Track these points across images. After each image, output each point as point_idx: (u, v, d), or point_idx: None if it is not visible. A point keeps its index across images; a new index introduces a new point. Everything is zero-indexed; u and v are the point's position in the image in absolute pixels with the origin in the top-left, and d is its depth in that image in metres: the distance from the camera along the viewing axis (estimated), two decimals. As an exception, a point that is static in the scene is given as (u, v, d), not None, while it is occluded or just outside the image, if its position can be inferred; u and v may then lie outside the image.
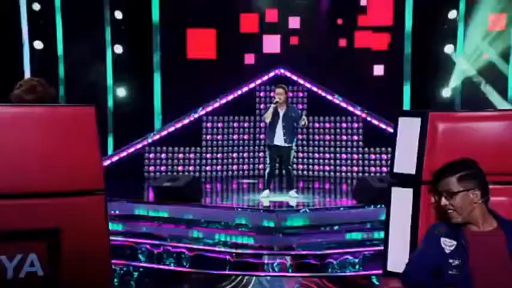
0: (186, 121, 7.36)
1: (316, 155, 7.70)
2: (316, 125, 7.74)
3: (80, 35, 7.06)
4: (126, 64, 7.62)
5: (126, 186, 6.25)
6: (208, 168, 7.47)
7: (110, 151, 7.51)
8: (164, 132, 7.30)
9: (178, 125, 7.33)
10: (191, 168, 7.37)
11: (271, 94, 7.74)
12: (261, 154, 7.79)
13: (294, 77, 7.84)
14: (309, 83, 7.81)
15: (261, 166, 7.76)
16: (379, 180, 5.24)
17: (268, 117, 5.45)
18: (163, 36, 7.55)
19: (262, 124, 7.76)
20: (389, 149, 6.98)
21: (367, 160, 7.35)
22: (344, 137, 7.50)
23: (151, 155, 7.40)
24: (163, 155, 7.32)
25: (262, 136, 7.73)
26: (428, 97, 7.40)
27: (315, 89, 7.75)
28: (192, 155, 7.43)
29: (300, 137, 7.66)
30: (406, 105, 7.53)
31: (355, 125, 7.49)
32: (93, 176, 1.67)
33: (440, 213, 1.88)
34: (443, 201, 1.82)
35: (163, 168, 7.29)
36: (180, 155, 7.37)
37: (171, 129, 7.30)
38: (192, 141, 7.34)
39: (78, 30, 7.02)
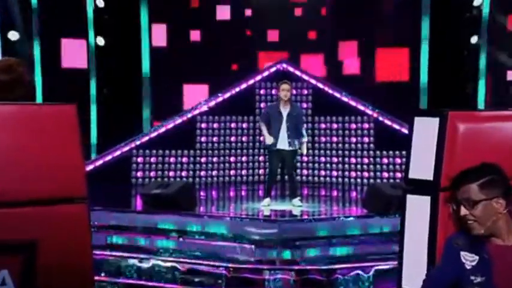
0: (178, 121, 7.41)
1: (323, 159, 7.72)
2: (322, 125, 7.77)
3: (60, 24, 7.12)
4: (110, 57, 7.67)
5: (112, 194, 6.24)
6: (202, 173, 7.52)
7: (93, 154, 7.58)
8: (154, 134, 7.37)
9: (170, 125, 7.39)
10: (184, 173, 7.41)
11: (273, 92, 7.80)
12: (261, 158, 7.80)
13: (298, 73, 7.88)
14: (314, 79, 7.86)
15: (261, 171, 7.79)
16: (392, 187, 5.18)
17: (266, 141, 5.44)
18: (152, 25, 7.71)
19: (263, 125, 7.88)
20: (403, 153, 7.01)
21: (379, 165, 7.37)
22: (353, 139, 7.54)
23: (140, 159, 7.41)
24: (152, 159, 7.37)
25: (262, 138, 7.63)
26: (449, 94, 7.40)
27: (320, 85, 7.81)
28: (184, 159, 7.48)
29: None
30: (423, 104, 7.57)
31: (366, 125, 7.52)
32: (74, 182, 1.64)
33: (460, 224, 1.84)
34: (463, 210, 1.78)
35: (152, 173, 7.35)
36: (172, 159, 7.40)
37: (162, 130, 7.35)
38: (185, 144, 7.40)
39: (57, 18, 7.08)
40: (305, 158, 7.71)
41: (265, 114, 5.58)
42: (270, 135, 5.45)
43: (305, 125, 5.68)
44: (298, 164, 7.56)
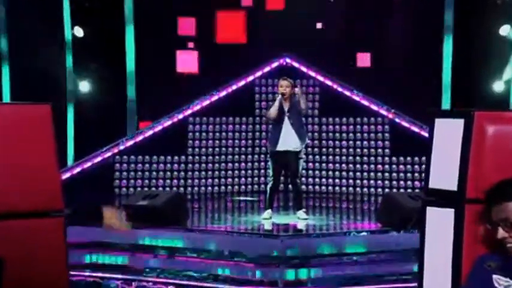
0: (167, 123, 7.44)
1: (331, 166, 7.71)
2: (331, 128, 7.76)
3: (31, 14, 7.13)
4: (90, 50, 7.65)
5: (91, 206, 6.24)
6: (195, 182, 7.54)
7: (70, 161, 7.52)
8: (140, 137, 7.38)
9: (158, 128, 7.41)
10: (174, 182, 7.44)
11: (275, 90, 7.68)
12: (262, 164, 7.80)
13: (303, 68, 7.85)
14: (321, 76, 7.82)
15: (261, 179, 7.77)
16: (410, 197, 5.14)
17: (274, 113, 5.42)
18: (137, 8, 7.63)
19: (263, 127, 7.80)
20: (423, 159, 7.00)
21: (395, 172, 7.40)
22: (365, 144, 7.55)
23: (124, 166, 7.39)
24: (138, 166, 7.39)
25: (263, 142, 7.75)
26: (474, 92, 7.31)
27: (328, 82, 7.78)
28: (175, 166, 7.49)
29: (309, 142, 7.63)
30: (446, 103, 7.49)
31: (380, 128, 7.54)
32: (49, 193, 1.62)
33: (492, 242, 1.81)
34: (501, 233, 1.72)
35: (138, 182, 7.37)
36: (160, 166, 7.43)
37: (149, 133, 7.38)
38: (175, 149, 7.42)
39: (29, 8, 7.09)
40: (311, 165, 7.73)
41: (270, 107, 5.60)
42: (274, 111, 5.37)
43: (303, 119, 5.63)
44: (304, 172, 7.49)
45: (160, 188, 7.21)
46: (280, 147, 5.42)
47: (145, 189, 7.05)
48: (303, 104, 5.38)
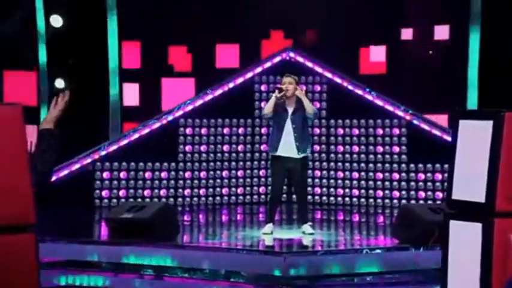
0: (156, 125, 7.44)
1: (340, 174, 7.69)
2: (340, 131, 7.74)
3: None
4: (67, 42, 7.59)
5: (68, 220, 6.19)
6: (187, 192, 7.53)
7: None
8: (124, 141, 7.38)
9: (145, 131, 7.41)
10: (163, 192, 7.44)
11: (277, 87, 7.80)
12: (262, 172, 7.78)
13: (309, 64, 7.84)
14: (329, 72, 7.81)
15: (261, 189, 7.76)
16: (431, 210, 5.14)
17: (268, 109, 5.46)
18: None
19: (264, 130, 7.79)
20: (445, 166, 7.03)
21: (414, 181, 7.36)
22: (380, 149, 7.54)
23: (106, 174, 7.37)
24: (122, 174, 7.37)
25: (263, 146, 7.72)
26: (505, 90, 7.21)
27: (338, 80, 7.76)
28: (164, 174, 7.48)
29: (316, 147, 7.67)
30: (472, 103, 7.46)
31: (396, 131, 7.51)
32: (19, 205, 1.60)
33: None
34: None
35: (122, 192, 7.36)
36: (147, 174, 7.43)
37: (135, 136, 7.37)
38: (164, 154, 7.43)
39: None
40: (318, 173, 7.70)
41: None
42: (269, 107, 5.37)
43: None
44: (310, 180, 7.52)
45: (148, 199, 7.23)
46: (281, 152, 5.42)
47: (130, 200, 7.04)
48: (308, 107, 5.37)
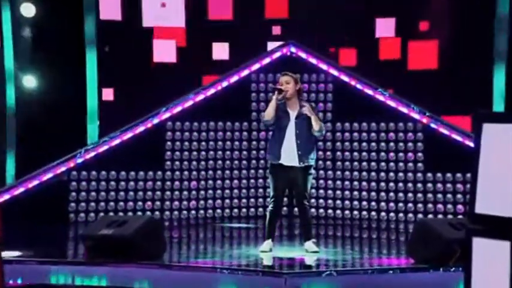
0: (139, 129, 7.42)
1: (348, 184, 7.69)
2: (347, 136, 7.74)
3: None
4: (38, 36, 7.56)
5: (38, 238, 6.15)
6: (175, 204, 7.53)
7: (9, 178, 7.50)
8: (103, 148, 7.34)
9: (127, 135, 7.39)
10: (147, 205, 7.46)
11: (276, 88, 7.77)
12: (260, 182, 7.79)
13: (313, 60, 7.83)
14: (335, 69, 7.81)
15: (259, 201, 7.77)
16: (451, 226, 5.06)
17: (269, 114, 5.40)
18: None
19: (262, 134, 7.80)
20: (467, 176, 7.05)
21: (431, 193, 7.34)
22: (392, 156, 7.54)
23: (82, 184, 7.37)
24: (101, 185, 7.36)
25: (262, 153, 7.75)
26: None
27: (345, 78, 7.74)
28: (148, 184, 7.48)
29: (321, 154, 7.65)
30: (498, 105, 7.49)
31: (411, 135, 7.50)
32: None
33: None
34: None
35: (101, 205, 7.35)
36: (130, 184, 7.41)
37: (115, 142, 7.35)
38: (149, 162, 7.42)
39: None
40: (323, 183, 7.69)
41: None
42: (270, 112, 5.33)
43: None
44: (314, 191, 7.53)
45: (130, 213, 7.20)
46: (282, 160, 5.40)
47: (110, 214, 7.04)
48: (316, 124, 5.33)
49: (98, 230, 5.30)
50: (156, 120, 7.46)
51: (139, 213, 7.21)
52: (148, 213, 7.22)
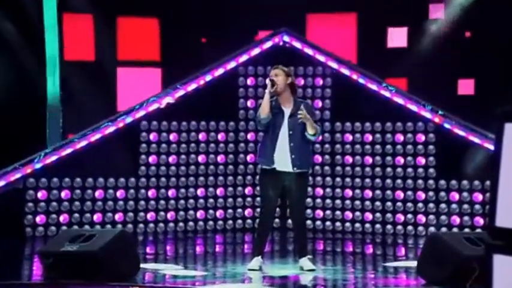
0: (109, 130, 7.36)
1: (349, 193, 7.66)
2: (348, 137, 7.71)
3: None
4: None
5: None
6: (150, 216, 7.49)
7: None
8: (67, 151, 7.27)
9: (95, 137, 7.33)
10: (118, 216, 7.40)
11: (267, 81, 7.79)
12: (249, 190, 7.76)
13: (309, 51, 7.79)
14: (335, 62, 7.75)
15: (247, 212, 7.76)
16: (467, 240, 5.02)
17: (265, 110, 5.43)
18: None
19: (251, 135, 7.79)
20: (486, 183, 7.02)
21: (444, 203, 7.36)
22: (400, 160, 7.54)
23: (41, 194, 7.30)
24: (64, 193, 7.30)
25: (250, 157, 7.76)
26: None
27: (345, 71, 7.69)
28: (120, 193, 7.44)
29: (318, 158, 7.65)
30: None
31: (421, 137, 7.49)
32: None
33: None
34: None
35: (63, 217, 7.29)
36: (98, 193, 7.35)
37: (80, 144, 7.30)
38: (121, 167, 7.40)
39: None
40: (320, 191, 7.66)
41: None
42: (265, 108, 5.32)
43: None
44: (309, 200, 7.48)
45: (98, 226, 7.15)
46: (276, 165, 5.40)
47: (75, 227, 7.01)
48: (311, 129, 5.35)
49: (60, 246, 5.24)
50: (128, 119, 7.41)
51: (109, 226, 7.18)
52: (120, 226, 7.18)
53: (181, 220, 7.51)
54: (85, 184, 7.30)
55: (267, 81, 5.42)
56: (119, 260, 5.16)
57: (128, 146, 7.40)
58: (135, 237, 6.90)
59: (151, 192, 7.45)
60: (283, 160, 5.34)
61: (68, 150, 7.22)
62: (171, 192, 7.50)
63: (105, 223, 7.26)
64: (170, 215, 7.49)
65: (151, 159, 7.48)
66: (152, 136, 7.49)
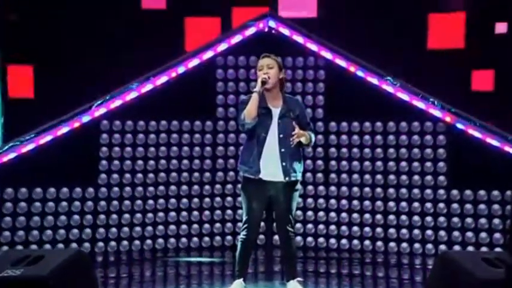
0: (62, 131, 7.32)
1: (345, 204, 7.67)
2: (344, 139, 7.74)
3: None
4: None
5: None
6: (111, 233, 7.46)
7: None
8: (9, 156, 7.25)
9: (45, 139, 7.29)
10: (73, 233, 7.39)
11: (251, 76, 7.84)
12: (229, 200, 7.79)
13: (299, 39, 7.81)
14: (329, 51, 7.76)
15: (227, 227, 7.78)
16: (485, 261, 5.02)
17: (251, 112, 5.33)
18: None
19: (230, 137, 7.83)
20: (507, 193, 7.05)
21: (457, 217, 7.39)
22: (404, 166, 7.57)
23: None
24: (6, 206, 7.29)
25: (231, 162, 7.80)
26: None
27: (341, 63, 7.70)
28: (75, 205, 7.41)
29: (309, 164, 7.69)
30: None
31: (430, 139, 7.53)
32: None
33: None
34: None
35: (4, 235, 7.23)
36: (48, 205, 7.33)
37: (27, 148, 7.28)
38: (76, 175, 7.34)
39: None
40: (311, 202, 7.69)
41: (246, 102, 5.46)
42: (252, 110, 5.27)
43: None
44: (299, 213, 7.53)
45: (48, 246, 7.09)
46: (262, 175, 5.37)
47: (19, 247, 6.98)
48: (306, 139, 5.42)
49: (0, 269, 5.02)
50: (86, 118, 7.37)
51: (61, 245, 7.13)
52: (75, 245, 7.16)
53: (149, 237, 7.49)
54: (32, 195, 7.27)
55: (258, 77, 5.26)
56: (73, 285, 5.01)
57: (85, 150, 7.33)
58: (93, 258, 6.87)
59: (113, 205, 7.38)
60: (271, 168, 5.27)
61: (11, 155, 7.16)
62: (137, 204, 7.44)
63: (57, 242, 7.20)
64: (136, 231, 7.42)
65: (114, 165, 7.44)
66: (114, 138, 7.44)
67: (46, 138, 7.20)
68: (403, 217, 7.41)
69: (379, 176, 7.50)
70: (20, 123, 7.84)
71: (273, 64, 5.30)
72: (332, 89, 7.67)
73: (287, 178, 5.25)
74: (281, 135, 5.25)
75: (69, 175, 7.22)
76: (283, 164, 5.23)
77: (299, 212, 7.43)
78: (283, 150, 5.24)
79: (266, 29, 7.66)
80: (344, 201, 7.57)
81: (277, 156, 5.25)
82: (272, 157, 5.25)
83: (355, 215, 7.52)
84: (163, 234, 7.50)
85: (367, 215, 7.50)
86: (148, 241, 7.45)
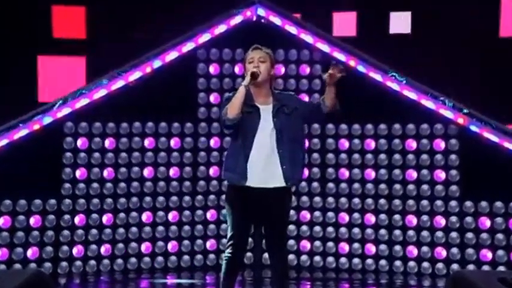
0: (20, 134, 7.36)
1: (344, 217, 7.69)
2: (344, 143, 7.78)
3: None
4: None
5: None
6: (77, 251, 7.45)
7: None
8: None
9: (0, 143, 7.32)
10: (31, 252, 7.35)
11: (236, 70, 7.88)
12: (212, 214, 7.78)
13: (292, 29, 7.83)
14: (326, 43, 7.77)
15: (209, 244, 7.80)
16: (502, 282, 4.92)
17: (234, 109, 5.29)
18: None
19: (213, 141, 7.87)
20: None
21: (471, 232, 7.42)
22: (413, 174, 7.59)
23: None
24: None
25: (213, 170, 7.82)
26: None
27: (341, 56, 7.71)
28: (35, 219, 7.37)
29: (303, 173, 7.58)
30: None
31: (441, 143, 7.60)
32: None
33: None
34: None
35: None
36: (2, 220, 7.28)
37: None
38: (36, 185, 7.34)
39: None
40: (307, 216, 7.72)
41: (231, 99, 5.48)
42: (235, 106, 5.27)
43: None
44: (293, 228, 7.54)
45: (3, 266, 7.09)
46: (251, 180, 5.31)
47: None
48: (331, 99, 5.53)
49: None
50: (47, 119, 7.36)
51: (18, 265, 7.13)
52: (34, 265, 7.13)
53: (120, 256, 7.44)
54: (-12, 206, 7.19)
55: (248, 70, 5.23)
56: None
57: (46, 156, 7.26)
58: (55, 280, 6.81)
59: (78, 219, 7.36)
60: (261, 173, 5.21)
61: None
62: (106, 218, 7.44)
63: (13, 262, 7.17)
64: (105, 248, 7.42)
65: (79, 173, 7.42)
66: (80, 142, 7.43)
67: (1, 142, 7.13)
68: (411, 232, 7.40)
69: (383, 186, 7.50)
70: None
71: (266, 58, 5.29)
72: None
73: (288, 183, 5.19)
74: (279, 136, 5.20)
75: (27, 185, 7.16)
76: (284, 167, 5.18)
77: (292, 227, 7.43)
78: (281, 151, 5.19)
79: (254, 18, 7.67)
80: (343, 215, 7.57)
81: (271, 159, 5.21)
82: (263, 161, 5.21)
83: (355, 230, 7.52)
84: (136, 253, 7.47)
85: (369, 230, 7.50)
86: (120, 260, 7.41)
